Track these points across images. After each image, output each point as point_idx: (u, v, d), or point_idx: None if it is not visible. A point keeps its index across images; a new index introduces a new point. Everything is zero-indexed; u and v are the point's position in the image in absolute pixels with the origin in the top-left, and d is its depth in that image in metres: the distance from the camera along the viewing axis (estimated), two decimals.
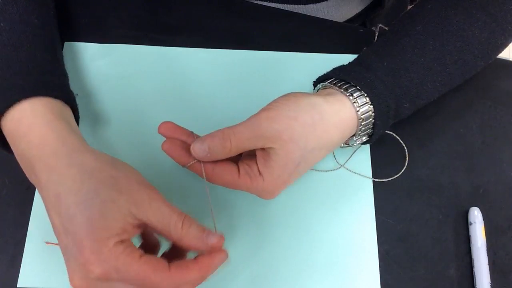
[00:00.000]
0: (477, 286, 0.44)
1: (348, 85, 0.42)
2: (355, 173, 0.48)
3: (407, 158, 0.48)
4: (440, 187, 0.48)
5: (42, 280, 0.43)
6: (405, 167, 0.48)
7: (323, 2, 0.59)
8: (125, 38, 0.52)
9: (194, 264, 0.35)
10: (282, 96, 0.41)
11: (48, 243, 0.44)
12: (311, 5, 0.59)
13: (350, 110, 0.41)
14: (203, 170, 0.38)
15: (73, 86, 0.50)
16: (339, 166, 0.48)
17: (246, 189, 0.40)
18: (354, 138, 0.44)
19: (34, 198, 0.45)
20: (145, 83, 0.50)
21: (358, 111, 0.41)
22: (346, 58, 0.52)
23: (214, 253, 0.36)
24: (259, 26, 0.54)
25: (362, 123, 0.42)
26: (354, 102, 0.41)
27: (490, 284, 0.43)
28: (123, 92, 0.50)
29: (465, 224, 0.46)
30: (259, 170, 0.39)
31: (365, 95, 0.41)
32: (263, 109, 0.40)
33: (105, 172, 0.34)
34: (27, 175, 0.37)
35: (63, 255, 0.34)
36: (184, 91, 0.50)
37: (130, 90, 0.50)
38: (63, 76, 0.44)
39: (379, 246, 0.45)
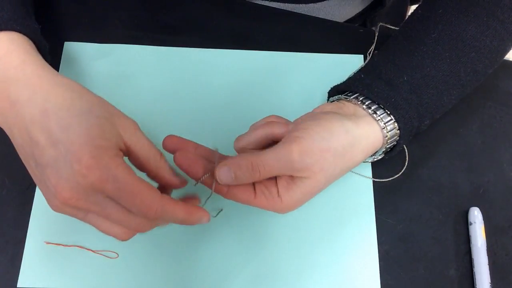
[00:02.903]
0: (477, 286, 0.44)
1: (376, 106, 0.41)
2: (355, 173, 0.48)
3: (407, 158, 0.48)
4: (440, 187, 0.48)
5: (42, 280, 0.43)
6: (405, 167, 0.48)
7: (324, 2, 0.59)
8: (125, 38, 0.52)
9: (182, 203, 0.35)
10: (313, 120, 0.39)
11: (48, 243, 0.44)
12: (312, 5, 0.59)
13: (378, 134, 0.41)
14: (213, 185, 0.38)
15: None
16: None
17: (261, 207, 0.39)
18: (372, 156, 0.44)
19: (34, 198, 0.45)
20: (145, 83, 0.50)
21: (386, 136, 0.41)
22: (346, 58, 0.53)
23: (199, 208, 0.37)
24: (259, 26, 0.54)
25: (387, 146, 0.42)
26: (384, 128, 0.41)
27: (490, 284, 0.43)
28: (123, 92, 0.50)
29: (465, 224, 0.46)
30: (278, 192, 0.38)
31: (393, 120, 0.41)
32: (294, 139, 0.37)
33: (93, 95, 0.35)
34: None
35: (45, 171, 0.33)
36: (184, 91, 0.50)
37: (130, 90, 0.50)
38: (36, 25, 0.43)
39: (379, 246, 0.45)
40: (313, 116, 0.40)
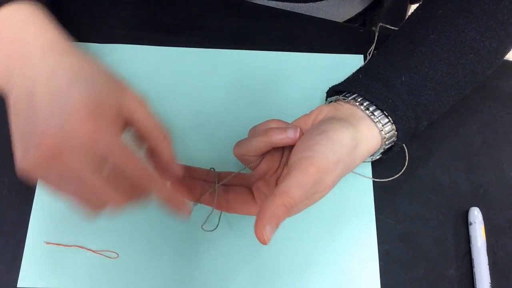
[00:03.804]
0: (477, 286, 0.44)
1: (374, 107, 0.41)
2: (355, 173, 0.48)
3: (407, 158, 0.48)
4: (440, 187, 0.48)
5: (42, 280, 0.43)
6: (405, 167, 0.48)
7: (324, 1, 0.59)
8: (125, 38, 0.52)
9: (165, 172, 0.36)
10: (319, 134, 0.38)
11: (48, 243, 0.44)
12: (311, 4, 0.59)
13: (377, 137, 0.41)
14: (214, 203, 0.39)
15: None
16: None
17: None
18: (370, 157, 0.44)
19: (34, 198, 0.45)
20: (145, 83, 0.50)
21: (385, 138, 0.41)
22: (346, 58, 0.53)
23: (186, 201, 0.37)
24: (259, 26, 0.54)
25: (384, 147, 0.42)
26: (382, 130, 0.41)
27: (490, 284, 0.43)
28: None
29: (465, 224, 0.47)
30: None
31: (391, 121, 0.41)
32: (308, 161, 0.36)
33: (103, 66, 0.35)
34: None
35: (39, 117, 0.32)
36: (184, 91, 0.50)
37: None
38: None
39: (379, 246, 0.45)
40: (318, 128, 0.39)
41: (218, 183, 0.40)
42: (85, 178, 0.32)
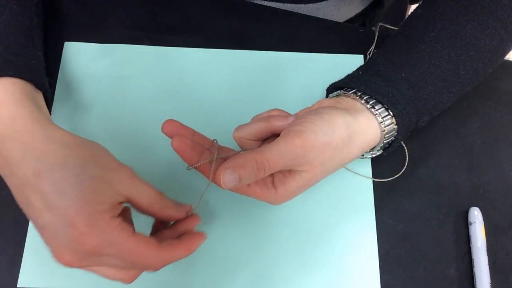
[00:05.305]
0: (477, 286, 0.44)
1: (374, 101, 0.41)
2: (355, 173, 0.48)
3: (407, 158, 0.48)
4: (440, 187, 0.48)
5: (42, 280, 0.43)
6: (405, 167, 0.48)
7: (323, 2, 0.59)
8: (125, 38, 0.52)
9: (179, 243, 0.36)
10: (315, 115, 0.38)
11: None
12: (311, 5, 0.59)
13: (376, 130, 0.41)
14: (211, 173, 0.38)
15: (73, 86, 0.50)
16: None
17: (253, 197, 0.39)
18: (370, 152, 0.44)
19: None
20: (145, 83, 0.50)
21: (384, 131, 0.41)
22: (346, 58, 0.53)
23: (195, 234, 0.38)
24: (259, 26, 0.54)
25: (384, 141, 0.42)
26: (381, 122, 0.40)
27: (490, 284, 0.43)
28: (123, 92, 0.50)
29: (465, 224, 0.47)
30: (273, 183, 0.38)
31: (391, 115, 0.41)
32: (296, 133, 0.36)
33: (86, 149, 0.34)
34: None
35: (43, 233, 0.33)
36: (184, 91, 0.50)
37: (130, 90, 0.50)
38: (37, 61, 0.43)
39: (379, 246, 0.45)
40: (315, 110, 0.40)
41: (218, 157, 0.39)
42: (111, 266, 0.35)
